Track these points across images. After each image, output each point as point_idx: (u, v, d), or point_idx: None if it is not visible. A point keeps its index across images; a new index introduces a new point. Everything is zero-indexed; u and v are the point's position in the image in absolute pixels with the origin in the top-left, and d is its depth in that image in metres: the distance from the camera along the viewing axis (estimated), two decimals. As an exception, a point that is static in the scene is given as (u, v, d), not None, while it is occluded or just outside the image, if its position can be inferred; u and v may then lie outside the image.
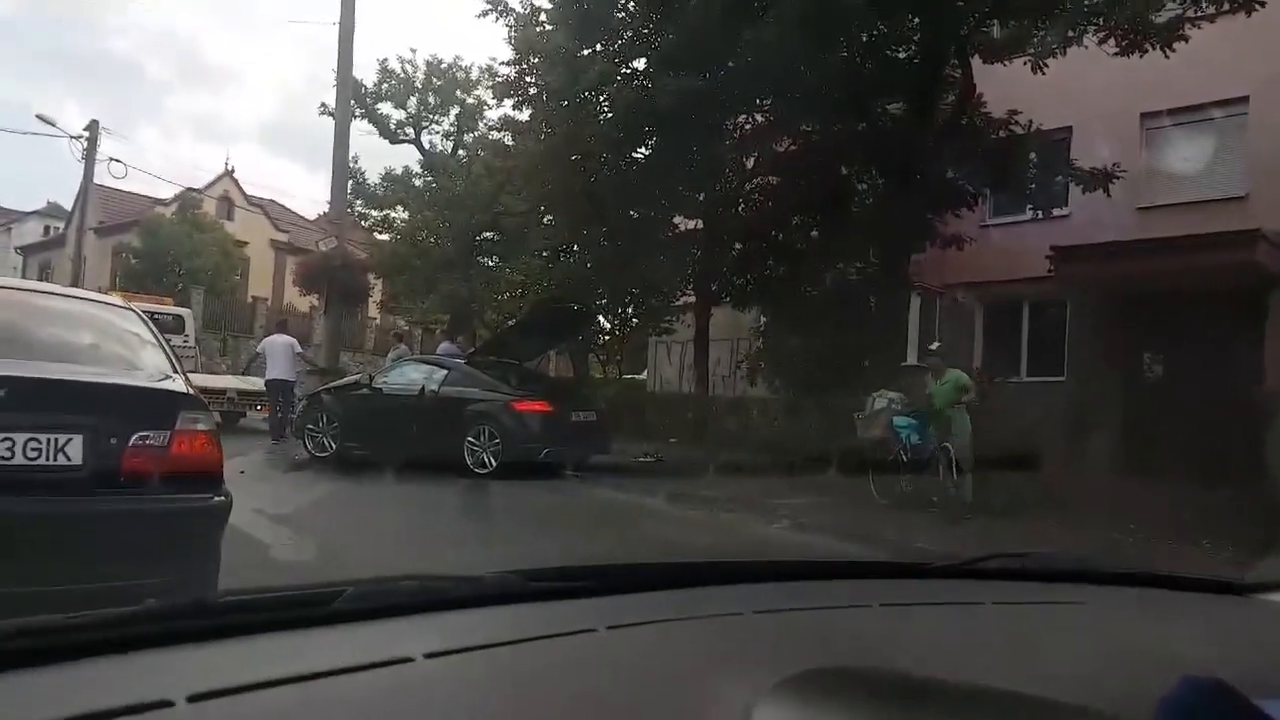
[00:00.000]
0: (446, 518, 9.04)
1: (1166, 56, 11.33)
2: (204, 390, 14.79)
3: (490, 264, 19.48)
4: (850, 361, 12.63)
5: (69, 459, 3.33)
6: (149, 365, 4.12)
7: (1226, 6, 11.15)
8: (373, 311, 30.60)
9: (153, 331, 4.49)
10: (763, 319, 15.77)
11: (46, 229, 44.04)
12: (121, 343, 4.26)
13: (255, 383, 15.83)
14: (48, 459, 3.29)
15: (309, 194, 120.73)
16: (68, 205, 38.94)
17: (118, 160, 30.36)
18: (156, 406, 3.63)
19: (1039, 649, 1.26)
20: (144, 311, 14.88)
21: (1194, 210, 13.81)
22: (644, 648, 1.11)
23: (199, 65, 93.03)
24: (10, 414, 3.20)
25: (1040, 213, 13.72)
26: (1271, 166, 13.28)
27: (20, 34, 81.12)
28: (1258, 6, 10.82)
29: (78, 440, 3.34)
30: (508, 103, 16.15)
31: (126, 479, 3.44)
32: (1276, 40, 12.49)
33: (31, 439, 3.25)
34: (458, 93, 24.15)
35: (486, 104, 24.13)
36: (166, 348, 4.42)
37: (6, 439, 3.21)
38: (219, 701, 0.80)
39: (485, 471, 10.94)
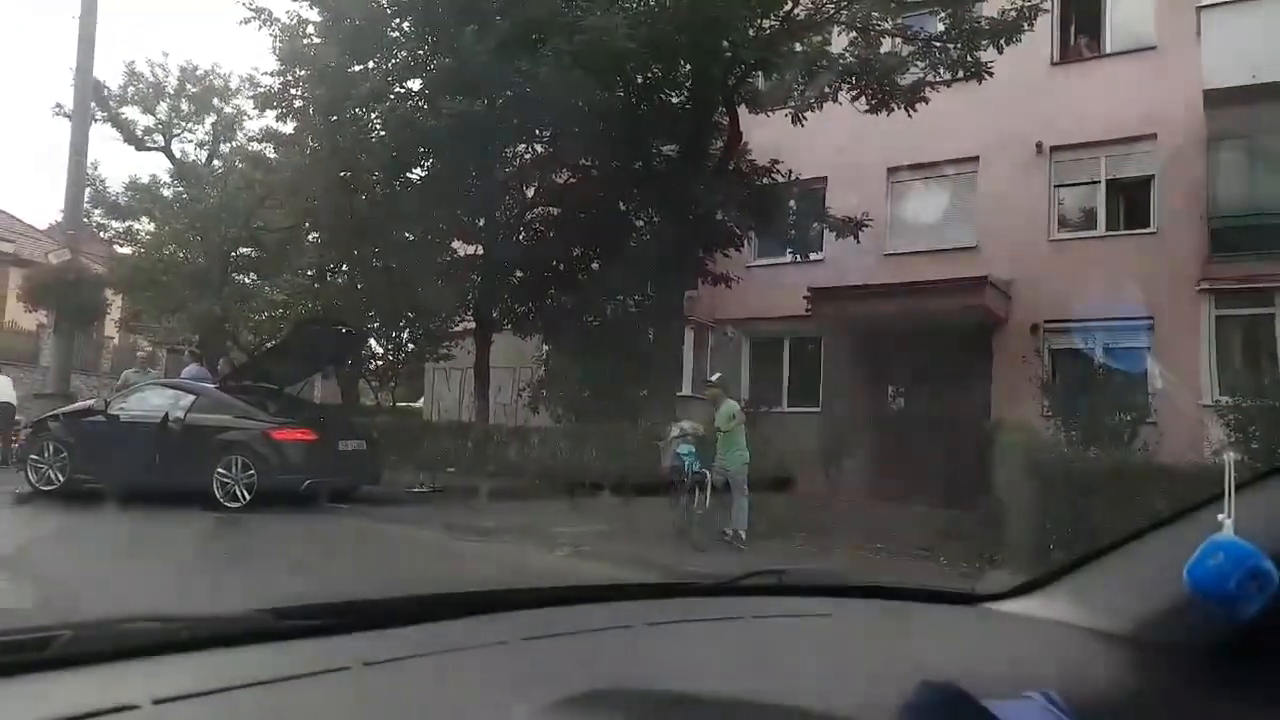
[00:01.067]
0: (191, 556, 8.24)
1: (909, 115, 12.50)
2: None
3: (247, 281, 18.20)
4: (629, 390, 12.84)
5: None
6: None
7: (960, 74, 12.44)
8: (110, 330, 27.85)
9: None
10: (544, 347, 15.73)
11: None
12: None
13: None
14: None
15: (39, 199, 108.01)
16: None
17: None
18: None
19: (791, 660, 1.29)
20: None
21: (933, 258, 15.20)
22: (402, 684, 1.04)
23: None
24: None
25: (799, 256, 14.61)
26: (997, 221, 14.91)
27: None
28: (987, 75, 12.15)
29: None
30: (270, 114, 15.29)
31: None
32: (1002, 107, 14.08)
33: None
34: (215, 100, 22.57)
35: (246, 114, 22.86)
36: None
37: None
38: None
39: (237, 505, 10.13)
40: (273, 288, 17.20)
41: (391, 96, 12.82)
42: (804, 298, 14.92)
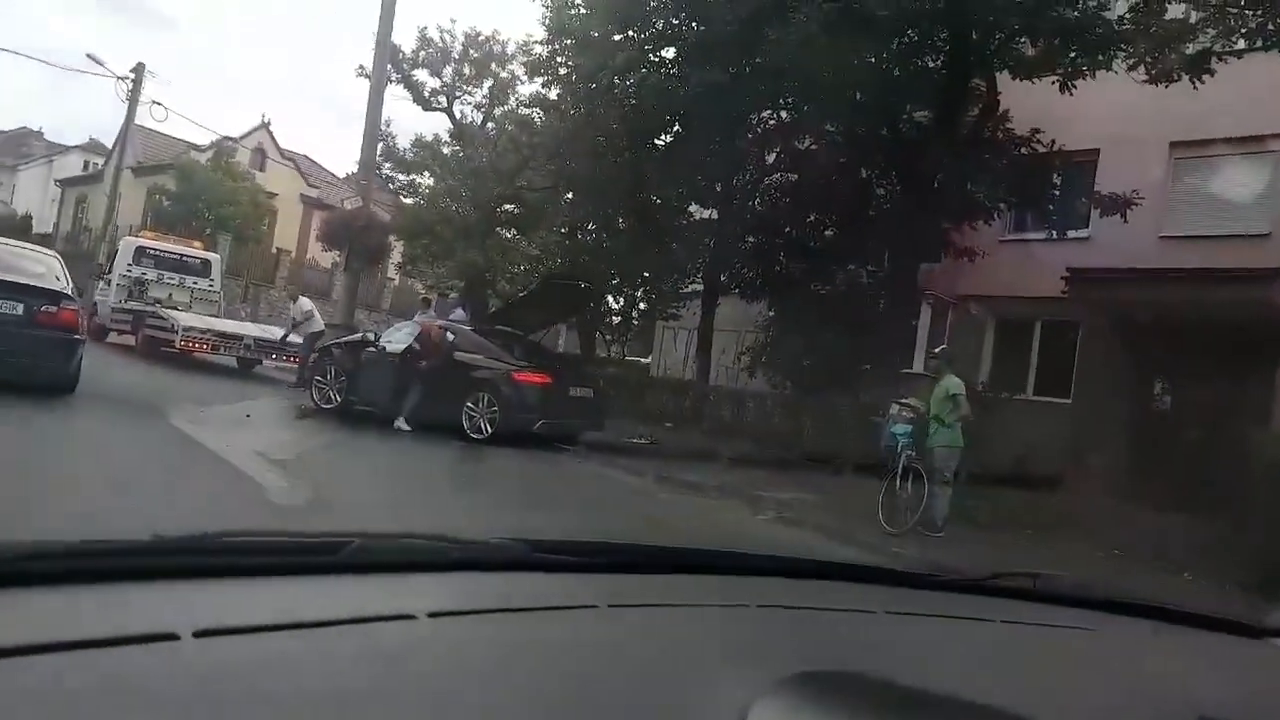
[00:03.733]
0: (439, 480, 9.27)
1: (1195, 87, 11.30)
2: (224, 334, 15.52)
3: (508, 236, 19.61)
4: (853, 363, 12.70)
5: (17, 313, 8.59)
6: (55, 277, 9.43)
7: (1259, 44, 11.09)
8: (391, 272, 30.85)
9: (60, 263, 10.06)
10: (770, 313, 15.85)
11: (86, 164, 44.59)
12: (44, 267, 9.65)
13: (273, 332, 16.22)
14: (10, 311, 8.55)
15: (341, 150, 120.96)
16: (108, 143, 39.40)
17: (159, 104, 30.65)
18: (53, 296, 8.95)
19: (1046, 673, 1.24)
20: (175, 252, 15.84)
21: (1216, 244, 13.74)
22: (644, 630, 1.10)
23: (246, 19, 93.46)
24: None
25: (1057, 233, 13.68)
26: (1297, 206, 13.21)
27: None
28: (1293, 45, 10.75)
29: (21, 305, 8.62)
30: (539, 80, 16.28)
31: (40, 322, 8.66)
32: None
33: (6, 302, 8.54)
34: (492, 65, 24.13)
35: (519, 79, 24.15)
36: (63, 269, 9.79)
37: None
38: (222, 639, 0.81)
39: (481, 437, 11.15)
40: (530, 243, 18.44)
41: (646, 67, 13.32)
42: (1062, 278, 14.02)
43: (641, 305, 17.45)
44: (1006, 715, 0.86)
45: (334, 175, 41.74)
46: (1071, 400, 14.91)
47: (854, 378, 12.42)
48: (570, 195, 16.90)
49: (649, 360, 21.64)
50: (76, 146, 46.73)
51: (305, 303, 16.11)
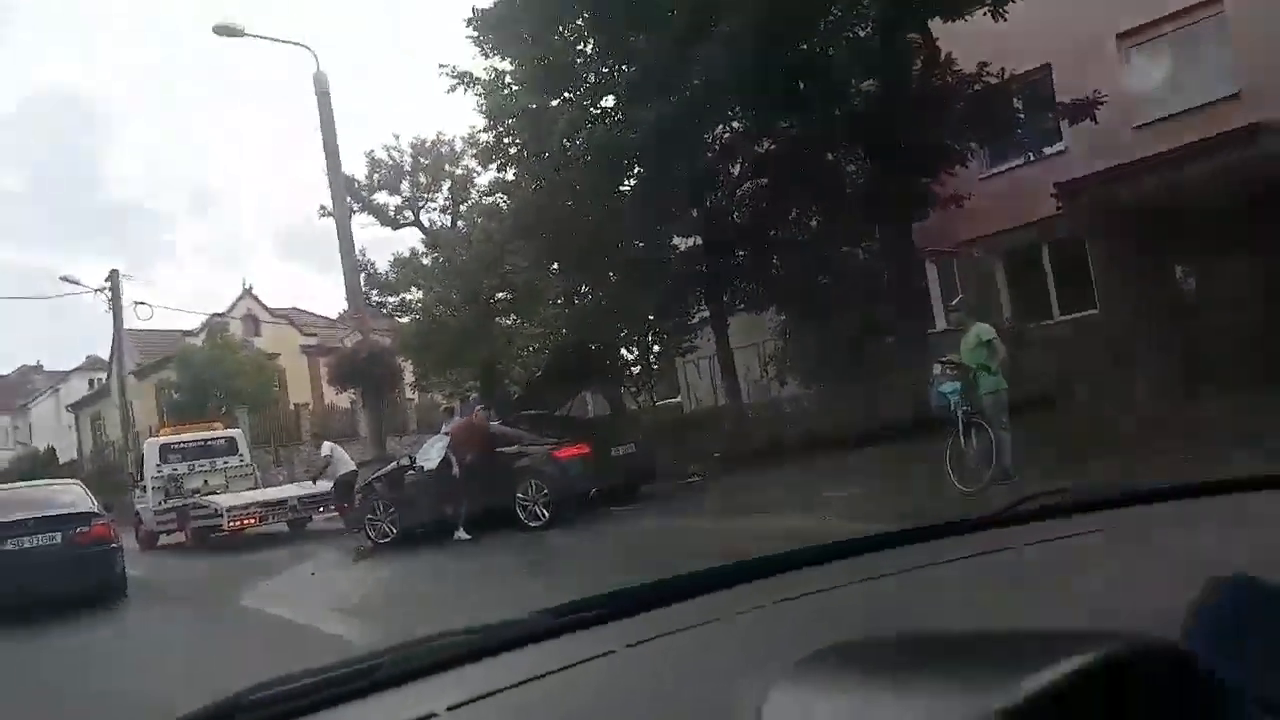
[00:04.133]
0: (511, 579, 9.12)
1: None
2: (267, 504, 15.56)
3: (508, 323, 19.70)
4: (875, 340, 12.55)
5: (56, 541, 9.99)
6: (81, 501, 10.93)
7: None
8: (408, 393, 30.98)
9: (82, 487, 11.93)
10: (780, 318, 15.77)
11: (91, 382, 45.36)
12: (70, 495, 11.26)
13: (313, 488, 16.25)
14: (49, 542, 9.97)
15: (328, 292, 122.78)
16: (105, 355, 40.05)
17: (143, 303, 31.01)
18: (83, 518, 10.39)
19: (1070, 582, 1.24)
20: (198, 440, 16.25)
21: (1191, 117, 13.64)
22: (663, 658, 1.12)
23: (200, 195, 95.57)
24: (36, 531, 9.95)
25: (1033, 154, 13.60)
26: (1258, 60, 13.10)
27: (31, 204, 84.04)
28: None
29: (58, 535, 10.03)
30: (493, 166, 16.43)
31: (77, 543, 10.05)
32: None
33: (45, 536, 9.99)
34: (446, 166, 24.57)
35: (475, 170, 24.58)
36: (85, 492, 11.51)
37: (39, 537, 9.95)
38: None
39: (539, 524, 11.05)
40: (529, 323, 18.50)
41: (590, 122, 13.43)
42: (1051, 195, 13.91)
43: (655, 348, 17.35)
44: (1007, 634, 0.83)
45: (326, 318, 42.14)
46: (1099, 310, 14.72)
47: (881, 354, 12.28)
48: (555, 266, 17.00)
49: (678, 400, 21.54)
50: (76, 369, 47.61)
51: (325, 447, 16.12)
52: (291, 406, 33.78)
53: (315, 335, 40.25)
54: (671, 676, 1.06)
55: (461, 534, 11.06)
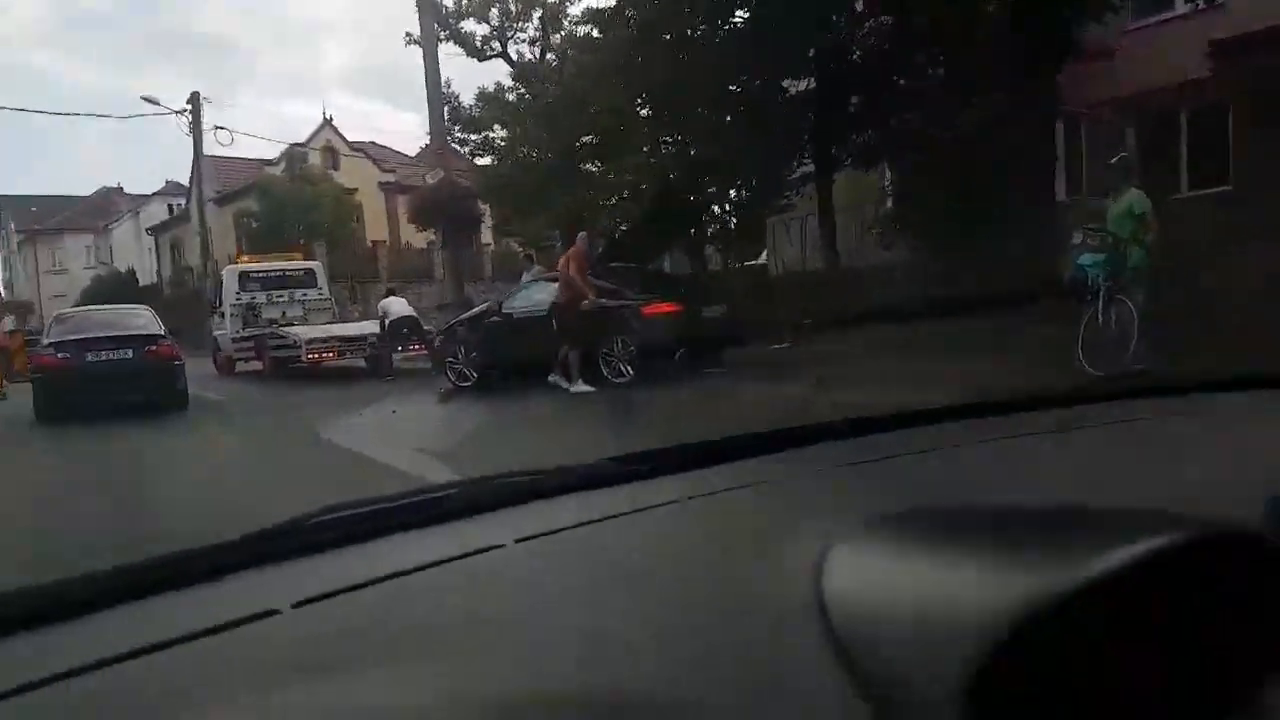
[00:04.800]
0: (594, 429, 8.83)
1: None
2: (347, 339, 15.66)
3: (594, 170, 18.82)
4: (995, 206, 11.48)
5: (129, 356, 11.61)
6: (150, 324, 12.61)
7: None
8: (487, 238, 30.61)
9: (151, 312, 13.41)
10: (889, 176, 14.69)
11: (170, 207, 45.92)
12: (141, 319, 12.90)
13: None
14: (123, 357, 11.57)
15: (406, 130, 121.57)
16: (184, 180, 40.35)
17: (222, 128, 30.76)
18: (150, 338, 11.99)
19: (1147, 465, 1.20)
20: (277, 270, 16.58)
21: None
22: (728, 512, 1.12)
23: (282, 25, 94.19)
24: (113, 347, 11.64)
25: (1194, 3, 12.14)
26: None
27: (115, 24, 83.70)
28: None
29: (130, 351, 11.64)
30: (588, -7, 15.29)
31: (146, 359, 11.67)
32: None
33: (119, 351, 11.59)
34: (538, -6, 23.17)
35: (569, 0, 23.30)
36: (153, 317, 13.08)
37: (115, 352, 11.59)
38: (321, 605, 0.83)
39: (624, 380, 10.68)
40: (615, 172, 17.67)
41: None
42: (1206, 54, 12.57)
43: (747, 204, 16.35)
44: (1076, 511, 0.81)
45: (406, 156, 41.74)
46: (1232, 186, 13.56)
47: (1003, 219, 11.25)
48: (647, 109, 15.98)
49: (761, 262, 20.73)
50: (157, 193, 48.14)
51: (382, 306, 16.25)
52: (369, 244, 33.79)
53: (393, 172, 39.93)
54: (734, 530, 1.05)
55: (580, 385, 10.43)
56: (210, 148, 30.19)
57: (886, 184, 15.01)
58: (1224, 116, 13.84)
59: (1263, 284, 10.32)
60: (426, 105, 19.01)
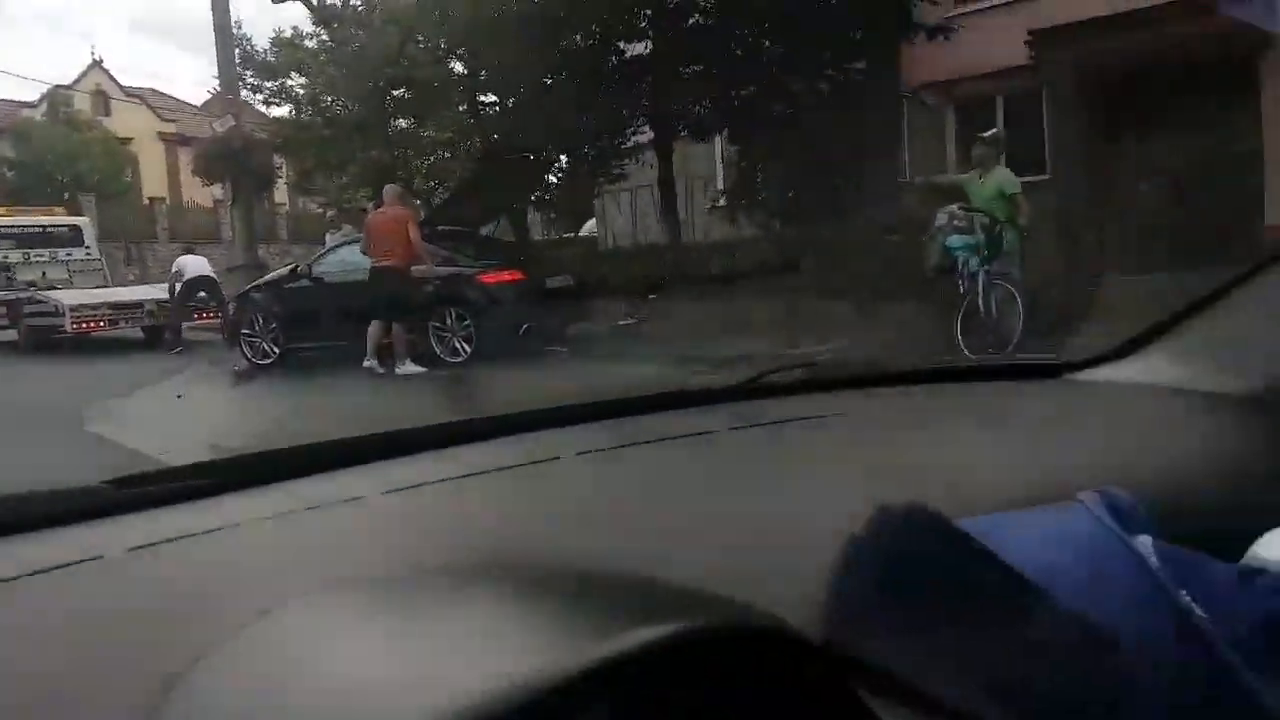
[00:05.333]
0: (430, 418, 7.76)
1: None
2: (120, 305, 13.57)
3: (407, 125, 17.32)
4: (839, 182, 11.16)
5: None
6: None
7: None
8: (280, 197, 28.15)
9: None
10: (720, 149, 14.14)
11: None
12: None
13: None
14: None
15: (187, 79, 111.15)
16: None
17: (-35, 59, 26.68)
18: None
19: (787, 470, 1.13)
20: (36, 225, 13.56)
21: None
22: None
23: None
24: None
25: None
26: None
27: None
28: None
29: None
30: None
31: None
32: None
33: None
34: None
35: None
36: None
37: None
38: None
39: (459, 360, 9.59)
40: (437, 128, 16.27)
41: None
42: (1025, 43, 12.85)
43: (584, 170, 15.37)
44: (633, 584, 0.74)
45: (190, 105, 38.01)
46: (1049, 175, 14.09)
47: (847, 196, 10.93)
48: (465, 65, 14.66)
49: (589, 233, 19.85)
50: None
51: (176, 263, 14.23)
52: (146, 200, 30.42)
53: (175, 122, 36.26)
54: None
55: (409, 365, 9.10)
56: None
57: (721, 157, 14.51)
58: (1038, 106, 14.35)
59: (1095, 269, 10.69)
60: (215, 48, 16.81)
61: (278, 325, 10.53)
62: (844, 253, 9.87)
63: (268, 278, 11.54)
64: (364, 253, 9.49)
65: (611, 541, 0.85)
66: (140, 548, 0.81)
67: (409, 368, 9.06)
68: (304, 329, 10.30)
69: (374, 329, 9.07)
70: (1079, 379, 1.36)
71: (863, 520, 0.66)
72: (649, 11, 12.67)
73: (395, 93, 16.67)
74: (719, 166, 16.10)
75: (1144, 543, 0.69)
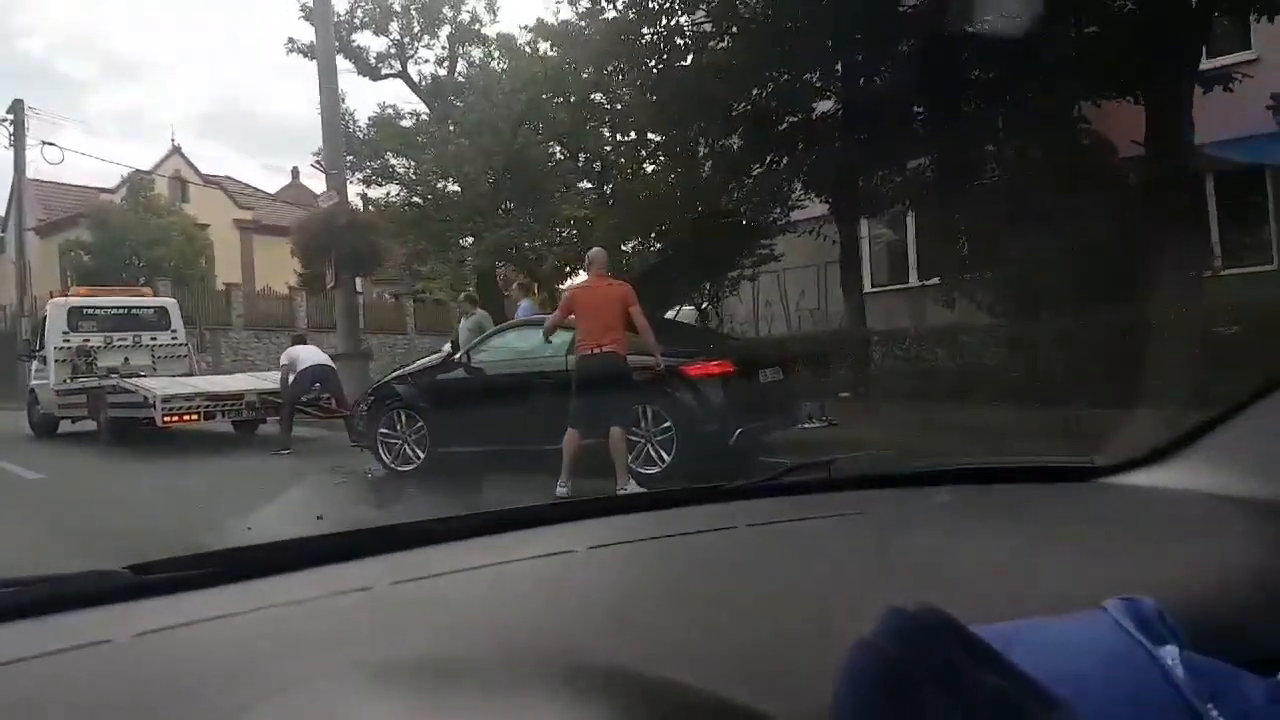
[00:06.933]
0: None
1: None
2: (217, 396, 11.60)
3: (558, 195, 15.62)
4: (1111, 267, 8.87)
5: None
6: None
7: None
8: (356, 285, 26.90)
9: None
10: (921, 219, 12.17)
11: (-23, 236, 39.39)
12: None
13: (273, 379, 12.44)
14: None
15: (268, 165, 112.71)
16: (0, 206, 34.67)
17: (51, 144, 26.10)
18: None
19: (805, 569, 1.09)
20: (120, 306, 10.91)
21: None
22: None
23: (114, 61, 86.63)
24: None
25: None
26: None
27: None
28: None
29: None
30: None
31: None
32: None
33: None
34: (445, 9, 20.31)
35: (479, 20, 20.62)
36: None
37: None
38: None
39: (656, 470, 7.54)
40: (569, 203, 14.62)
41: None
42: (1268, 108, 10.86)
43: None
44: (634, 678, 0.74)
45: (265, 193, 37.57)
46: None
47: (1123, 286, 8.68)
48: (607, 129, 13.03)
49: (684, 319, 17.84)
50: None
51: (286, 355, 12.18)
52: (221, 285, 29.36)
53: (252, 209, 35.69)
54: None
55: (632, 485, 6.76)
56: (35, 168, 25.95)
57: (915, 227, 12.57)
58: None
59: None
60: (320, 128, 15.49)
61: (425, 424, 8.59)
62: (1140, 345, 7.70)
63: (413, 367, 9.57)
64: (547, 337, 7.49)
65: (621, 637, 0.84)
66: (148, 633, 0.83)
67: (633, 487, 6.76)
68: (460, 431, 8.29)
69: (570, 440, 6.83)
70: (1111, 482, 1.36)
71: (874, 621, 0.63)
72: (838, 67, 10.83)
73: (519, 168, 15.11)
74: (910, 237, 14.21)
75: (1170, 653, 0.67)
